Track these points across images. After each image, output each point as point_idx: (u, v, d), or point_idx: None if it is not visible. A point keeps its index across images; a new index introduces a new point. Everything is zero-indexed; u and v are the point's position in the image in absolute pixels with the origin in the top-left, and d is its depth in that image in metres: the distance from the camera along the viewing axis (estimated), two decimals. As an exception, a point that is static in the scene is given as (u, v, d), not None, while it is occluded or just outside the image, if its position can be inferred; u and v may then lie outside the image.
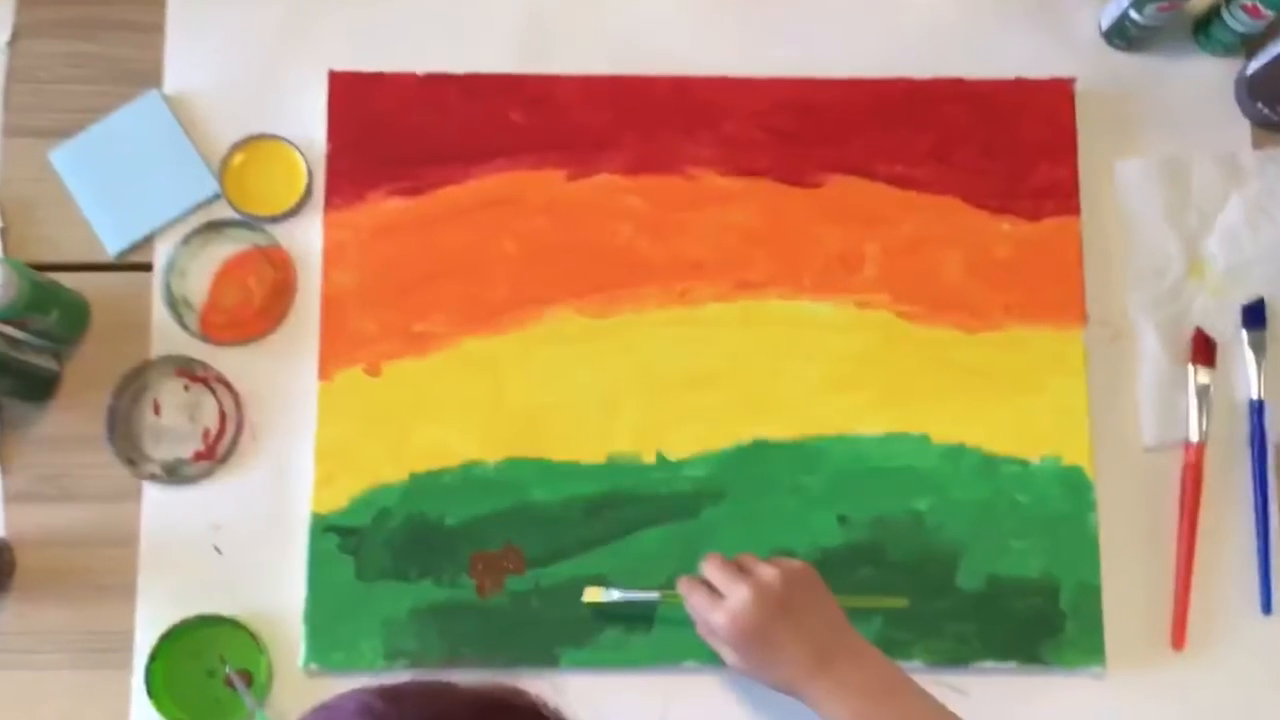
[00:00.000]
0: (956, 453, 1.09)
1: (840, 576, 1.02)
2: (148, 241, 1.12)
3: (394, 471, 1.07)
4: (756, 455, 1.08)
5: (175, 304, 1.09)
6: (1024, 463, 1.08)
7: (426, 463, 1.07)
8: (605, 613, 1.04)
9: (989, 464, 1.08)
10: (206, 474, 1.07)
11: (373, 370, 1.09)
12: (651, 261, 1.10)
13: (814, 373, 1.10)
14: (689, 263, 1.10)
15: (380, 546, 1.06)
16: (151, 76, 1.14)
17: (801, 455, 1.08)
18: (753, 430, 1.09)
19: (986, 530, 1.07)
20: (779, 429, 1.08)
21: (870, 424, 1.09)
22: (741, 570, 0.94)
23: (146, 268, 1.11)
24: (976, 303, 1.11)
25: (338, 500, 1.06)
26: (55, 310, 1.02)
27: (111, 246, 1.11)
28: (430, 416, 1.08)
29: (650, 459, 1.07)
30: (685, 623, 0.99)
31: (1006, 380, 1.09)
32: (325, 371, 1.08)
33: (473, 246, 1.10)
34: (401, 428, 1.07)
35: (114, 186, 1.10)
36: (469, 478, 1.07)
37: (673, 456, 1.08)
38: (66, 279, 1.07)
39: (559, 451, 1.07)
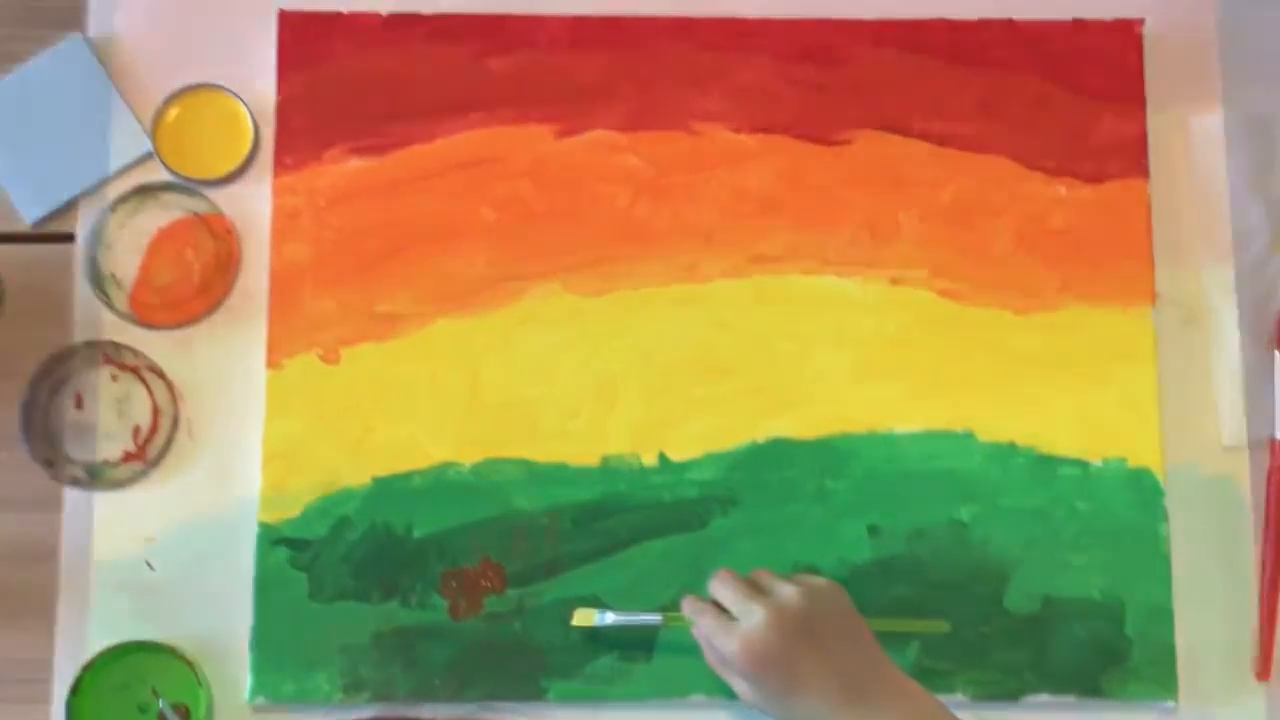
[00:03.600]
0: (1006, 453, 0.99)
1: (871, 597, 0.94)
2: (69, 208, 1.02)
3: (354, 475, 0.97)
4: (774, 456, 0.99)
5: (101, 280, 0.99)
6: (1084, 465, 0.99)
7: (392, 465, 0.98)
8: (599, 638, 0.94)
9: (1044, 466, 0.99)
10: (137, 478, 0.98)
11: (330, 357, 0.99)
12: (652, 231, 1.01)
13: (841, 360, 1.00)
14: (696, 233, 1.01)
15: (338, 562, 0.96)
16: (73, 19, 1.04)
17: (826, 456, 0.98)
18: (770, 427, 0.99)
19: (1041, 543, 0.97)
20: (800, 426, 0.99)
21: (906, 419, 0.99)
22: (757, 589, 0.85)
23: (68, 238, 1.01)
24: (1029, 279, 1.01)
25: (289, 508, 0.96)
26: (-41, 287, 0.90)
27: (28, 214, 1.02)
28: (396, 411, 0.98)
29: (651, 461, 0.98)
30: (691, 650, 0.90)
31: (1064, 369, 1.00)
32: (274, 359, 0.98)
33: (445, 214, 1.00)
34: (363, 424, 0.98)
35: (31, 145, 1.01)
36: (441, 482, 0.98)
37: (677, 458, 0.98)
38: (-26, 251, 0.94)
39: (545, 452, 0.98)
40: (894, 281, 1.01)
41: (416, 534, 0.96)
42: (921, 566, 0.96)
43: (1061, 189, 1.03)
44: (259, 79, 1.02)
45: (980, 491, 0.98)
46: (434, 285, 0.99)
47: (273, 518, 0.96)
